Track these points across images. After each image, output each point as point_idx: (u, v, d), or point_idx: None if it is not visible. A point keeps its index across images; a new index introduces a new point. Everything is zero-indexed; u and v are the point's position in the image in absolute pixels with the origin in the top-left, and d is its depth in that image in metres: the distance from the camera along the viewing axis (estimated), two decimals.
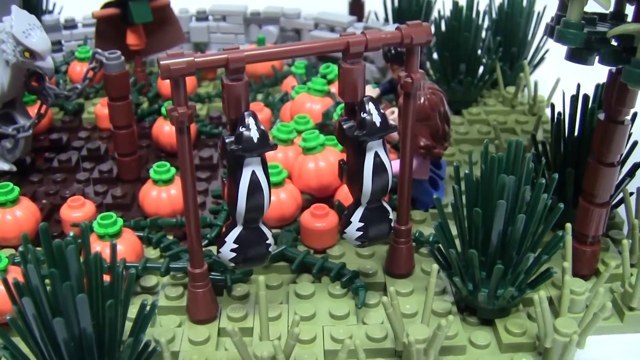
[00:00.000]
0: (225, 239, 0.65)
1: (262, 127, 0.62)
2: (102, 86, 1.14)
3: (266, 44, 1.14)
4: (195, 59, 0.61)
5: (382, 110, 0.64)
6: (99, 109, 1.06)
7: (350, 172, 0.67)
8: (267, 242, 0.66)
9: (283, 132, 0.88)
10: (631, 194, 0.81)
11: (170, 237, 0.82)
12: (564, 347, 0.66)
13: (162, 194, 0.84)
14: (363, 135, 0.63)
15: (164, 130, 0.98)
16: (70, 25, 1.22)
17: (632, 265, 0.77)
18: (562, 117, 0.81)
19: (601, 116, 0.72)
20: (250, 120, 0.61)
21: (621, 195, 0.81)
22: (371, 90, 0.98)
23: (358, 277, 0.75)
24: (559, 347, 0.66)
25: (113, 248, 0.60)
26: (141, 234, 0.81)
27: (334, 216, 0.80)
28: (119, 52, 0.88)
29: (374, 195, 0.66)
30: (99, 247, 0.75)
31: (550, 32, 0.71)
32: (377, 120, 0.63)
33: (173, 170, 0.85)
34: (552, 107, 0.83)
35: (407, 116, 0.69)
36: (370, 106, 0.64)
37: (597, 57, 0.67)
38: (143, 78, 1.12)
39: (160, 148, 1.00)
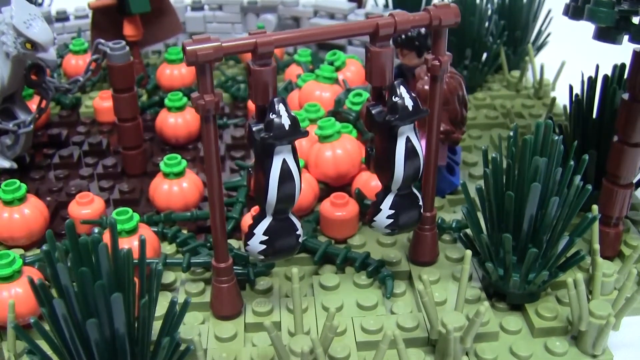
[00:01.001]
0: (254, 231, 0.63)
1: (293, 114, 0.60)
2: (99, 79, 1.12)
3: None
4: (223, 44, 0.58)
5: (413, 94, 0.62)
6: (97, 102, 1.03)
7: (380, 158, 0.66)
8: (297, 232, 0.64)
9: None
10: None
11: (185, 232, 0.80)
12: (599, 330, 0.65)
13: (174, 187, 0.82)
14: (395, 120, 0.62)
15: (169, 122, 0.96)
16: (62, 17, 1.18)
17: None
18: (581, 98, 0.80)
19: (625, 96, 0.71)
20: (280, 107, 0.59)
21: None
22: None
23: (384, 266, 0.73)
24: (594, 330, 0.65)
25: (142, 244, 0.58)
26: (155, 229, 0.78)
27: (354, 205, 0.78)
28: (123, 42, 0.86)
29: (405, 182, 0.65)
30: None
31: (571, 11, 0.70)
32: (409, 104, 0.62)
33: (184, 162, 0.82)
34: (571, 88, 0.82)
35: (434, 100, 0.67)
36: (402, 90, 0.62)
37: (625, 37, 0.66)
38: (141, 70, 1.10)
39: (165, 141, 0.97)
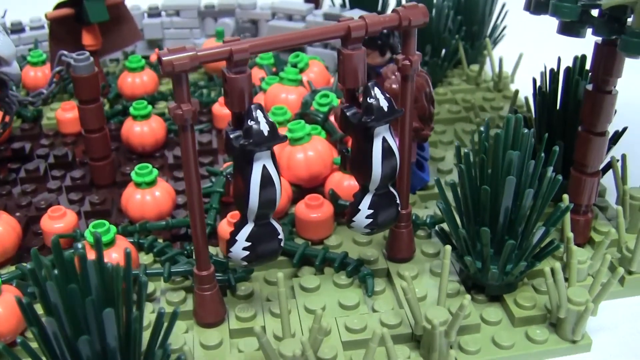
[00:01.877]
0: (237, 238, 0.63)
1: (271, 119, 0.60)
2: (59, 90, 1.10)
3: (225, 37, 1.11)
4: (198, 53, 0.58)
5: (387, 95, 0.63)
6: (60, 113, 1.02)
7: (356, 159, 0.66)
8: (279, 237, 0.64)
9: None
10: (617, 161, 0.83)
11: (161, 241, 0.79)
12: (578, 316, 0.67)
13: (147, 197, 0.81)
14: (371, 121, 0.62)
15: (135, 131, 0.95)
16: (18, 29, 1.16)
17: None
18: (545, 90, 0.82)
19: (589, 87, 0.73)
20: (258, 113, 0.60)
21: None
22: None
23: (363, 265, 0.74)
24: (573, 317, 0.67)
25: (128, 257, 0.57)
26: (131, 240, 0.78)
27: (329, 206, 0.79)
28: (87, 53, 0.85)
29: (383, 181, 0.66)
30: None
31: (533, 6, 0.72)
32: (384, 104, 0.63)
33: (155, 171, 0.82)
34: (534, 81, 0.84)
35: (405, 99, 0.68)
36: (376, 91, 0.63)
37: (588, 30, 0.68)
38: (102, 79, 1.08)
39: (131, 150, 0.96)
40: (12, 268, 0.76)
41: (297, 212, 0.78)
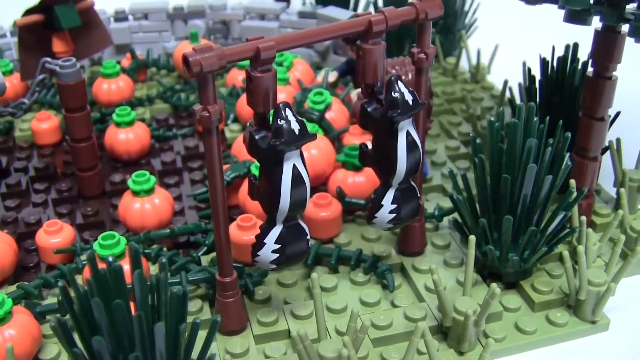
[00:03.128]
0: (265, 241, 0.62)
1: (300, 118, 0.59)
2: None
3: (199, 39, 1.09)
4: (225, 52, 0.57)
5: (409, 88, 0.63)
6: (35, 124, 0.97)
7: (379, 154, 0.66)
8: (307, 237, 0.64)
9: None
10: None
11: (165, 249, 0.77)
12: (597, 297, 0.68)
13: (146, 205, 0.79)
14: (398, 115, 0.62)
15: (119, 138, 0.92)
16: None
17: None
18: (542, 79, 0.83)
19: (590, 73, 0.75)
20: (287, 112, 0.59)
21: None
22: (330, 74, 0.96)
23: (379, 261, 0.74)
24: (592, 298, 0.68)
25: (163, 266, 0.56)
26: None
27: (337, 204, 0.78)
28: (73, 60, 0.81)
29: (407, 176, 0.65)
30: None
31: None
32: (409, 98, 0.62)
33: (153, 179, 0.79)
34: (529, 70, 0.85)
35: (420, 92, 0.68)
36: (400, 85, 0.62)
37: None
38: None
39: (116, 158, 0.93)
40: (13, 287, 0.73)
41: (305, 212, 0.77)
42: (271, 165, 0.60)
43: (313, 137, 0.60)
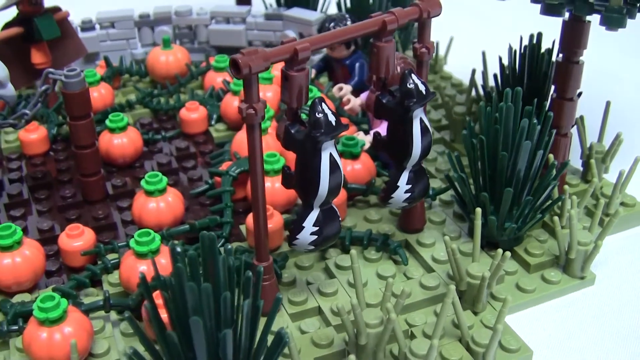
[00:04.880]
0: (303, 225, 0.68)
1: (333, 110, 0.66)
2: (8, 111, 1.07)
3: (171, 44, 1.13)
4: (268, 54, 0.63)
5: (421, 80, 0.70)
6: (23, 135, 0.99)
7: (394, 140, 0.73)
8: (339, 219, 0.70)
9: None
10: None
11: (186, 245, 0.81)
12: (585, 255, 0.77)
13: (161, 204, 0.83)
14: (414, 104, 0.69)
15: (114, 143, 0.95)
16: None
17: (588, 182, 0.91)
18: (513, 66, 0.92)
19: (560, 59, 0.84)
20: (323, 106, 0.65)
21: None
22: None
23: (389, 239, 0.81)
24: (581, 257, 0.78)
25: (258, 275, 0.60)
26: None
27: (342, 190, 0.85)
28: (78, 69, 0.84)
29: (420, 158, 0.73)
30: (142, 266, 0.73)
31: None
32: (422, 88, 0.70)
33: (165, 178, 0.84)
34: (500, 59, 0.94)
35: None
36: (414, 77, 0.70)
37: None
38: (55, 97, 1.06)
39: (111, 162, 0.96)
40: (48, 290, 0.76)
41: None
42: (309, 155, 0.66)
43: (346, 127, 0.66)
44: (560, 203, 0.82)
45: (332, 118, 0.65)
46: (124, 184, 0.93)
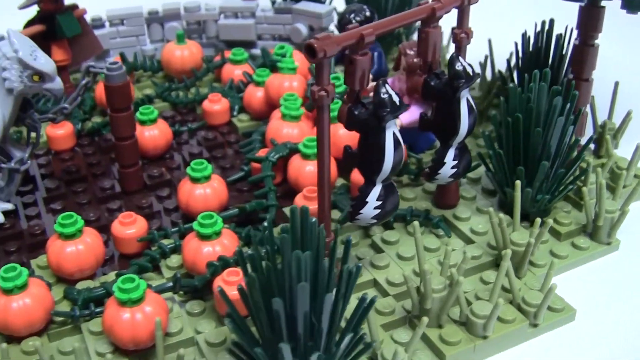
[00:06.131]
0: (367, 200, 0.72)
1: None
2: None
3: (186, 40, 1.16)
4: (338, 39, 0.66)
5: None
6: (51, 130, 1.00)
7: (441, 120, 0.78)
8: (397, 192, 0.75)
9: (293, 110, 0.94)
10: None
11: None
12: (611, 222, 0.84)
13: (207, 190, 0.86)
14: (463, 84, 0.74)
15: (145, 135, 0.97)
16: None
17: (600, 157, 0.98)
18: (533, 50, 0.98)
19: (577, 42, 0.91)
20: (387, 87, 0.69)
21: None
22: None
23: (430, 214, 0.86)
24: (607, 224, 0.84)
25: (347, 244, 0.63)
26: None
27: None
28: (119, 62, 0.87)
29: (467, 135, 0.78)
30: (207, 247, 0.76)
31: None
32: (469, 70, 0.75)
33: (210, 166, 0.87)
34: (516, 44, 1.00)
35: None
36: (461, 60, 0.75)
37: None
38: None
39: (143, 155, 0.98)
40: (111, 277, 0.78)
41: (353, 179, 0.88)
42: (374, 133, 0.70)
43: (407, 106, 0.71)
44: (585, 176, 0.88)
45: (395, 98, 0.69)
46: (160, 174, 0.95)
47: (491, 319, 0.70)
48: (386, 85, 0.69)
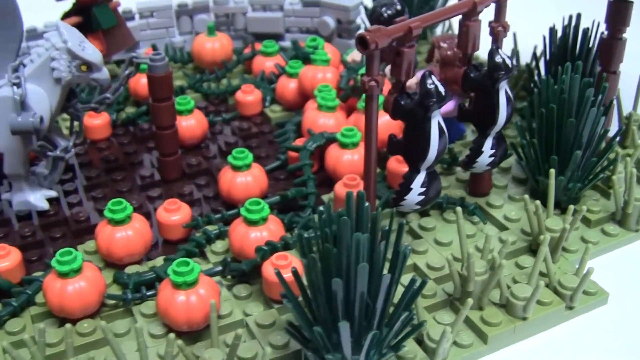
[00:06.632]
0: (412, 187, 0.75)
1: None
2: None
3: (216, 32, 1.18)
4: (388, 31, 0.69)
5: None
6: (87, 120, 1.03)
7: (479, 110, 0.81)
8: (440, 180, 0.77)
9: (329, 100, 0.97)
10: None
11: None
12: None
13: (248, 178, 0.88)
14: (503, 76, 0.77)
15: (182, 125, 0.99)
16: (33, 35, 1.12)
17: (625, 147, 1.01)
18: (560, 44, 1.00)
19: (604, 35, 0.93)
20: (433, 78, 0.72)
21: None
22: (356, 54, 1.10)
23: (465, 201, 0.88)
24: (636, 211, 0.87)
25: (401, 227, 0.66)
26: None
27: None
28: (162, 54, 0.89)
29: (504, 125, 0.81)
30: (254, 233, 0.79)
31: None
32: (508, 62, 0.77)
33: (251, 154, 0.89)
34: (544, 38, 1.03)
35: None
36: (501, 52, 0.77)
37: None
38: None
39: (181, 144, 1.01)
40: (160, 261, 0.81)
41: (389, 167, 0.90)
42: (419, 122, 0.73)
43: (451, 97, 0.73)
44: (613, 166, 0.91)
45: (441, 88, 0.72)
46: (198, 163, 0.98)
47: (531, 301, 0.73)
48: (432, 76, 0.72)
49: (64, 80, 0.83)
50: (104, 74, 0.85)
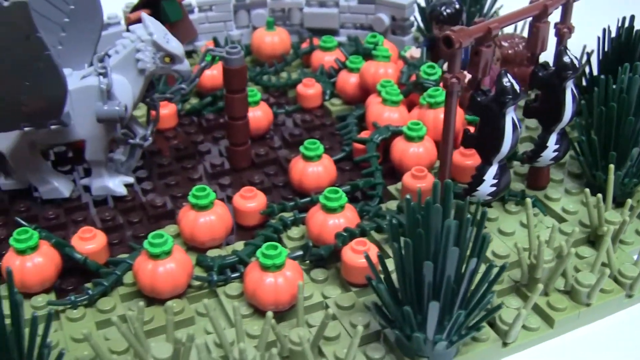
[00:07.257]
0: (484, 178, 0.80)
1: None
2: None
3: (274, 26, 1.23)
4: (469, 31, 0.73)
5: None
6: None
7: (546, 108, 0.85)
8: (509, 172, 0.82)
9: (394, 95, 1.01)
10: None
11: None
12: None
13: (319, 168, 0.93)
14: (571, 75, 0.81)
15: (250, 117, 1.03)
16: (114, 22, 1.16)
17: None
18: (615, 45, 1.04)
19: None
20: (509, 76, 0.76)
21: None
22: (415, 50, 1.14)
23: (524, 192, 0.93)
24: None
25: (483, 215, 0.70)
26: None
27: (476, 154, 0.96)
28: (239, 47, 0.93)
29: (569, 121, 0.85)
30: (332, 220, 0.83)
31: None
32: (576, 62, 0.82)
33: (322, 145, 0.93)
34: (598, 39, 1.07)
35: None
36: (569, 52, 0.82)
37: None
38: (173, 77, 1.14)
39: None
40: (240, 246, 0.85)
41: (455, 161, 0.94)
42: (495, 117, 0.77)
43: (525, 94, 0.78)
44: None
45: (517, 86, 0.76)
46: (266, 153, 1.02)
47: (595, 289, 0.78)
48: (508, 74, 0.76)
49: (147, 71, 0.88)
50: (185, 65, 0.89)
